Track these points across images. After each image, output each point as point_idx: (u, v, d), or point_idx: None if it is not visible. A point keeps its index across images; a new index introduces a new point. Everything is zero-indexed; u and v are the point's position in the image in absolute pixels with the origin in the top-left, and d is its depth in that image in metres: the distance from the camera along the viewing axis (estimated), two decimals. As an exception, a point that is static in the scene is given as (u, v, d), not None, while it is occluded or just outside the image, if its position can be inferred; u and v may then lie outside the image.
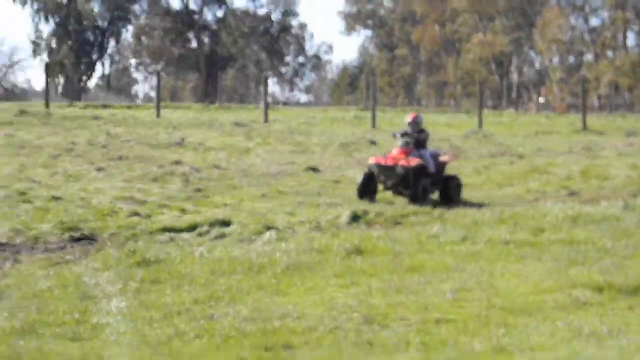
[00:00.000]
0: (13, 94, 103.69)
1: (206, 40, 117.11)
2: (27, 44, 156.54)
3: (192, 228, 19.99)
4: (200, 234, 19.43)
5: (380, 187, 23.94)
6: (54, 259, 17.25)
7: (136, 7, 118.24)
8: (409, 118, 24.74)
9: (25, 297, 13.77)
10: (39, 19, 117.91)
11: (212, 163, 30.69)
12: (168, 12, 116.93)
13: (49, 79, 60.97)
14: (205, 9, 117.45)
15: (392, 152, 24.23)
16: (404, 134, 24.20)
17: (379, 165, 23.72)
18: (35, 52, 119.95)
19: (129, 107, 61.77)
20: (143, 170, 28.69)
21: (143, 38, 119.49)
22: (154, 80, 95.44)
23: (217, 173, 28.46)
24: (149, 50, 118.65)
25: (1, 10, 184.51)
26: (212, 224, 20.18)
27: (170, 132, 39.24)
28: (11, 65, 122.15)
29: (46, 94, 55.74)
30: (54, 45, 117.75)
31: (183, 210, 22.21)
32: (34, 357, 10.51)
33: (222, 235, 19.09)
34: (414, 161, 23.26)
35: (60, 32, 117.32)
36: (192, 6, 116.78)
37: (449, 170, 25.37)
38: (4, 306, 13.14)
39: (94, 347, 11.03)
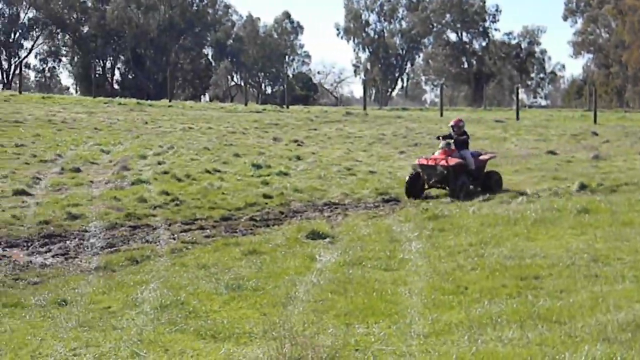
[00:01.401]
0: (341, 101, 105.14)
1: (474, 62, 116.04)
2: (350, 67, 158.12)
3: (466, 193, 19.92)
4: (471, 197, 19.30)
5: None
6: (371, 214, 17.44)
7: (425, 40, 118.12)
8: (451, 122, 21.33)
9: (352, 240, 13.95)
10: (358, 49, 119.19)
11: (480, 148, 30.35)
12: (448, 43, 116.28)
13: (365, 90, 61.39)
14: (474, 41, 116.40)
15: (435, 153, 20.72)
16: (445, 137, 20.77)
17: (422, 166, 20.25)
18: (356, 72, 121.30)
19: (420, 110, 61.69)
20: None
21: (430, 61, 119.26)
22: (437, 90, 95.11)
23: (483, 155, 28.16)
24: (434, 70, 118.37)
25: (334, 45, 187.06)
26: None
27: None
28: (340, 81, 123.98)
29: (364, 101, 56.26)
30: (368, 67, 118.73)
31: (459, 181, 22.08)
32: (359, 281, 10.62)
33: (487, 199, 18.90)
34: (452, 161, 19.85)
35: (373, 58, 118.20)
36: (465, 39, 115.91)
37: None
38: (338, 246, 13.34)
39: (400, 275, 11.08)
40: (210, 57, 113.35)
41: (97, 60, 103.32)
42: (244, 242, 13.74)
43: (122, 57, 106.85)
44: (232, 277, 11.00)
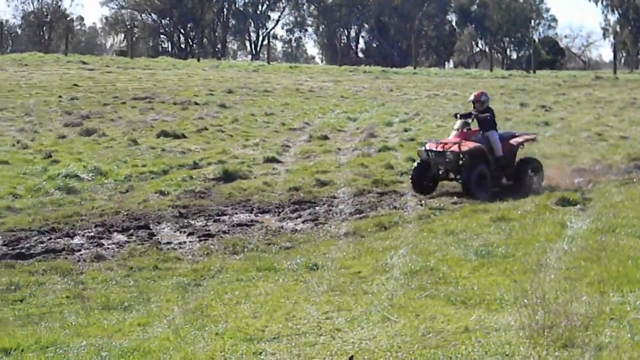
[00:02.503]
0: (589, 65, 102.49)
1: None
2: (598, 30, 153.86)
3: None
4: None
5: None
6: (623, 180, 16.96)
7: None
8: (471, 97, 17.14)
9: (604, 206, 13.61)
10: (607, 11, 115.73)
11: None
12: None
13: (615, 54, 59.57)
14: None
15: (450, 135, 16.72)
16: (464, 115, 16.63)
17: (429, 151, 16.16)
18: (605, 35, 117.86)
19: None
20: None
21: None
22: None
23: None
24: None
25: (581, 7, 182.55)
26: None
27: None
28: (588, 44, 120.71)
29: (614, 64, 54.47)
30: (617, 29, 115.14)
31: None
32: (613, 249, 10.35)
33: None
34: (466, 145, 15.81)
35: (622, 20, 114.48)
36: None
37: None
38: (589, 213, 13.06)
39: (656, 242, 10.74)
40: (454, 23, 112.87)
41: (341, 30, 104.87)
42: (492, 209, 13.67)
43: (366, 26, 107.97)
44: (481, 243, 10.97)
